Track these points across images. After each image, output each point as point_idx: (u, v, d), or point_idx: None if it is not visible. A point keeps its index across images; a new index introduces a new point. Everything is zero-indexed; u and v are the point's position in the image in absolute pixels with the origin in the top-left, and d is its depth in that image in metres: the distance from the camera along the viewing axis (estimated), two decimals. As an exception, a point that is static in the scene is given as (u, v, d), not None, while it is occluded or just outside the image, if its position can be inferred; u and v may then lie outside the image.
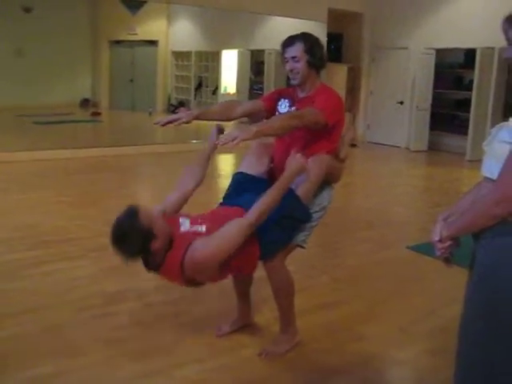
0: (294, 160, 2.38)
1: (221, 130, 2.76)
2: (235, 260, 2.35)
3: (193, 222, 2.39)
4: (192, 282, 2.38)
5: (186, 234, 2.33)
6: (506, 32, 1.63)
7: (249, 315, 3.04)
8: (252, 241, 2.41)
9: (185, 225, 2.37)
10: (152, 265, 2.32)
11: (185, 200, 2.62)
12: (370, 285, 3.79)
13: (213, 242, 2.25)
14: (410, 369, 2.81)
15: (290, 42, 2.65)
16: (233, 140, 2.21)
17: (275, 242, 2.55)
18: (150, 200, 5.83)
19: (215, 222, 2.38)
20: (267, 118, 2.91)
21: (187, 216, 2.46)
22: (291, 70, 2.64)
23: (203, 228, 2.35)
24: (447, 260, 1.77)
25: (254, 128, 2.29)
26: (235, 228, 2.27)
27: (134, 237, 2.18)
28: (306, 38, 2.65)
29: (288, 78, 2.79)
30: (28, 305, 3.24)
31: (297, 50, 2.62)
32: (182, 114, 2.58)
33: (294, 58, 2.62)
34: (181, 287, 2.53)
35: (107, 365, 2.65)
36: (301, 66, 2.63)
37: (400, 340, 3.04)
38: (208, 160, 2.76)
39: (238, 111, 2.80)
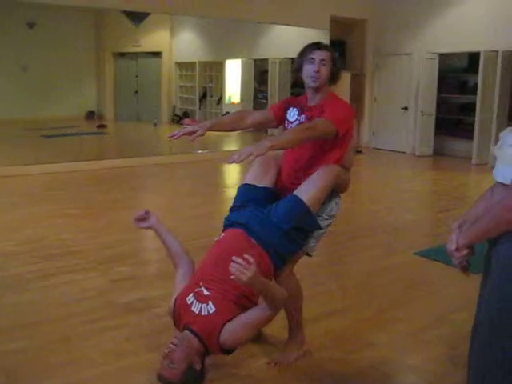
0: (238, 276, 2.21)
1: (144, 216, 2.84)
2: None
3: (198, 298, 2.42)
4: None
5: (204, 322, 2.37)
6: None
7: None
8: (264, 259, 2.47)
9: (195, 305, 2.41)
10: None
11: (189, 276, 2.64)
12: (378, 291, 3.78)
13: (240, 332, 2.35)
14: (419, 375, 2.79)
15: (319, 45, 2.71)
16: (248, 156, 2.23)
17: (285, 254, 2.59)
18: (157, 211, 5.84)
19: (218, 290, 2.41)
20: (276, 126, 2.95)
21: (190, 290, 2.47)
22: (317, 71, 2.66)
23: (211, 306, 2.38)
24: (465, 268, 1.75)
25: (268, 143, 2.30)
26: (256, 320, 2.37)
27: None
28: (330, 48, 2.74)
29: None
30: (37, 317, 3.25)
31: (326, 55, 2.67)
32: (196, 126, 2.60)
33: (322, 60, 2.66)
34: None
35: (117, 377, 2.65)
36: (326, 70, 2.67)
37: (409, 346, 3.03)
38: (166, 235, 2.83)
39: (249, 121, 2.84)
